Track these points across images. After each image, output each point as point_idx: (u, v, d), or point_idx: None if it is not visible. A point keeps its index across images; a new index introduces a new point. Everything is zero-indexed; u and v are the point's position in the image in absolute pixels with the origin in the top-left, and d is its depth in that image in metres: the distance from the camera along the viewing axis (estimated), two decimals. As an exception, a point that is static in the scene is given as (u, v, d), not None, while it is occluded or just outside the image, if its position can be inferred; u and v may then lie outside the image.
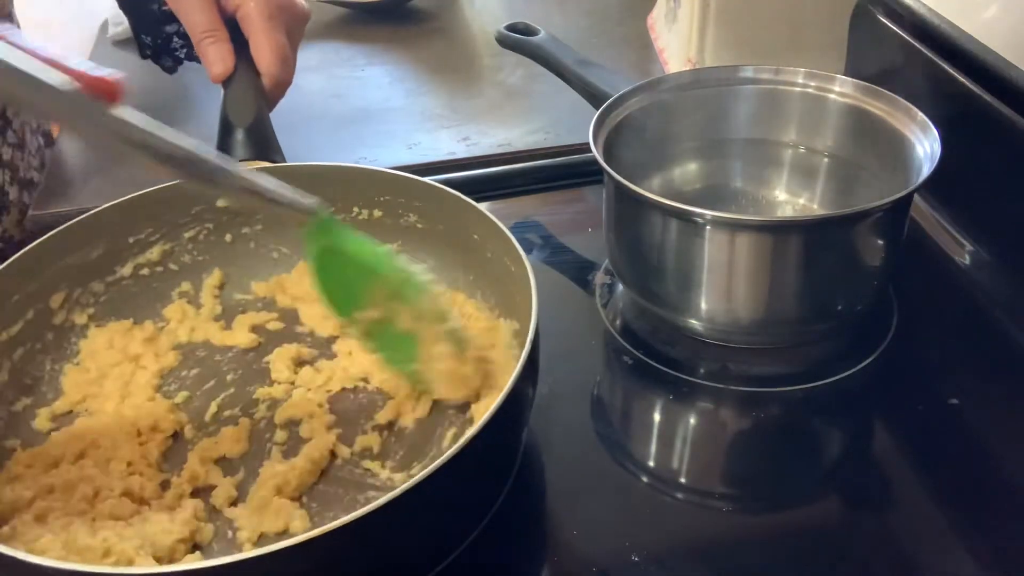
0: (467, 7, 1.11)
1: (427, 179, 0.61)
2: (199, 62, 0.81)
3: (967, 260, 0.67)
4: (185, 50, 0.81)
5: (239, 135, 0.64)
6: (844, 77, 0.65)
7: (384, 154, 0.82)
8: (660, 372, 0.60)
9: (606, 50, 0.98)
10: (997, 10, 0.65)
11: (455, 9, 1.11)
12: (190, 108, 0.90)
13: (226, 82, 0.67)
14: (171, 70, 0.83)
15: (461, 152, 0.82)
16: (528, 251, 0.70)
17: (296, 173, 0.62)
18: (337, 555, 0.40)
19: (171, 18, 0.79)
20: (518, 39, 0.76)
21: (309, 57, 1.00)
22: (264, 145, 0.65)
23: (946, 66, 0.68)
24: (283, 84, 0.69)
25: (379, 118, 0.88)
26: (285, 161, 0.65)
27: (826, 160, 0.68)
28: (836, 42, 0.82)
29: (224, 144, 0.64)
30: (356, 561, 0.42)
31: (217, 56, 0.67)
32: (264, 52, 0.67)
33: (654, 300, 0.61)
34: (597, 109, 0.64)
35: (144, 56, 0.82)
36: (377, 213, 0.63)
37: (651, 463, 0.56)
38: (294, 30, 0.70)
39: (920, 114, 0.60)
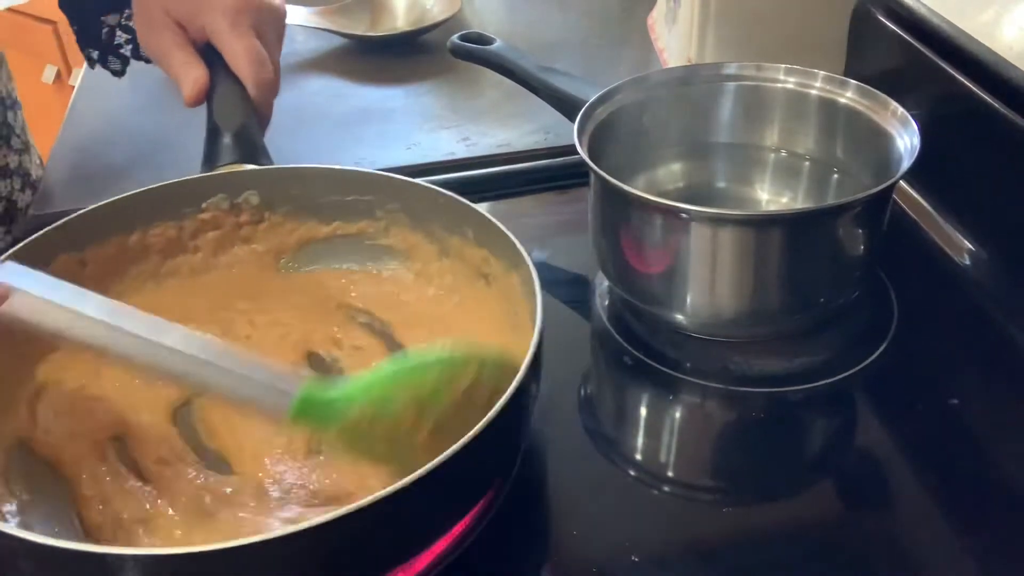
0: (467, 7, 1.11)
1: (421, 180, 0.61)
2: (147, 61, 0.81)
3: (967, 260, 0.67)
4: (131, 47, 0.81)
5: (226, 139, 0.64)
6: (824, 72, 0.66)
7: (384, 154, 0.82)
8: (660, 372, 0.60)
9: (606, 50, 0.98)
10: (997, 10, 0.65)
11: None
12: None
13: (210, 92, 0.67)
14: (119, 73, 0.82)
15: (461, 152, 0.82)
16: (528, 251, 0.71)
17: (281, 176, 0.62)
18: (330, 549, 0.40)
19: (108, 6, 0.78)
20: (472, 48, 0.75)
21: (309, 57, 1.00)
22: (251, 148, 0.65)
23: (946, 66, 0.68)
24: (265, 84, 0.67)
25: (379, 118, 0.88)
26: (272, 163, 0.65)
27: (809, 156, 0.68)
28: (836, 42, 0.82)
29: (212, 149, 0.64)
30: (351, 557, 0.42)
31: (188, 79, 0.67)
32: (234, 58, 0.67)
33: (642, 298, 0.62)
34: (564, 114, 0.65)
35: (92, 66, 0.82)
36: (361, 217, 0.63)
37: (651, 463, 0.56)
38: (265, 28, 0.69)
39: (900, 108, 0.61)
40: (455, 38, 0.76)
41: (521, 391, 0.45)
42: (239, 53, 0.66)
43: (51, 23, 1.98)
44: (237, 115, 0.65)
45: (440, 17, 1.02)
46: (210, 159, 0.64)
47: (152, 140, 0.88)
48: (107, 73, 0.83)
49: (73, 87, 0.98)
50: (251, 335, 0.60)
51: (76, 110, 0.93)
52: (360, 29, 1.03)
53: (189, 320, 0.58)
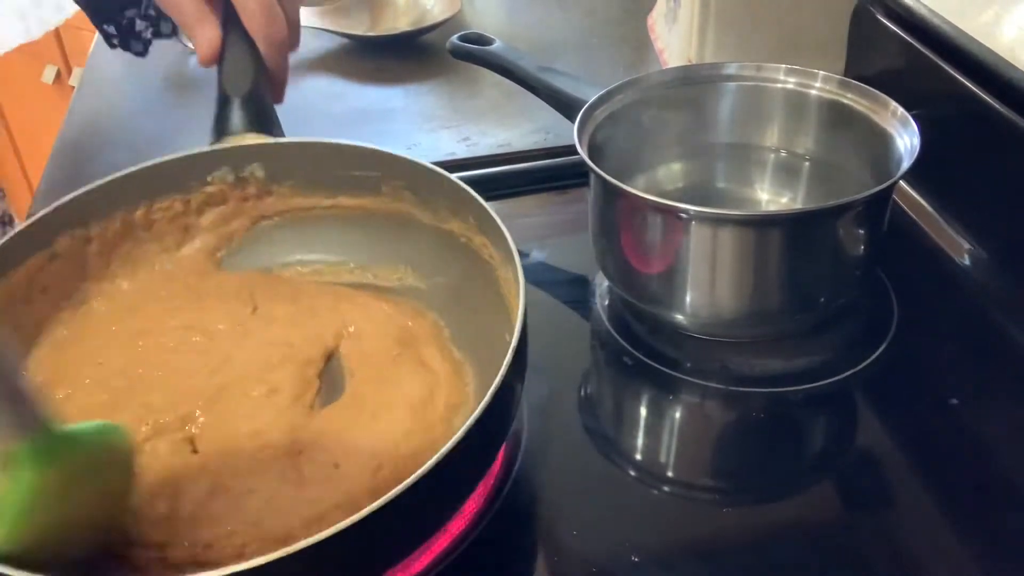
0: (467, 7, 1.11)
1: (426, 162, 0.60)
2: (167, 37, 0.80)
3: (967, 260, 0.67)
4: (151, 30, 0.81)
5: (235, 105, 0.63)
6: (824, 72, 0.66)
7: (384, 154, 0.82)
8: (660, 372, 0.60)
9: (606, 50, 0.99)
10: (997, 10, 0.65)
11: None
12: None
13: (222, 53, 0.65)
14: (142, 54, 0.82)
15: (461, 152, 0.82)
16: (528, 252, 0.71)
17: (287, 149, 0.62)
18: (334, 557, 0.40)
19: (129, 2, 0.78)
20: (471, 49, 0.74)
21: (309, 57, 1.00)
22: (261, 116, 0.63)
23: (946, 66, 0.68)
24: (277, 43, 0.64)
25: (379, 118, 0.88)
26: (284, 136, 0.64)
27: (809, 156, 0.68)
28: (836, 42, 0.82)
29: (221, 117, 0.63)
30: (354, 561, 0.42)
31: (203, 38, 0.64)
32: (245, 12, 0.63)
33: (642, 298, 0.62)
34: (563, 114, 0.64)
35: (112, 46, 0.81)
36: (366, 193, 0.62)
37: (651, 463, 0.56)
38: None
39: (900, 108, 0.61)
40: (455, 38, 0.76)
41: (504, 388, 0.44)
42: (250, 7, 0.63)
43: (51, 23, 1.97)
44: (247, 80, 0.63)
45: (440, 17, 1.02)
46: (218, 128, 0.62)
47: (152, 140, 0.88)
48: (107, 73, 0.83)
49: (73, 87, 0.98)
50: (279, 317, 0.59)
51: (76, 110, 0.93)
52: (360, 29, 1.03)
53: (208, 299, 0.60)
